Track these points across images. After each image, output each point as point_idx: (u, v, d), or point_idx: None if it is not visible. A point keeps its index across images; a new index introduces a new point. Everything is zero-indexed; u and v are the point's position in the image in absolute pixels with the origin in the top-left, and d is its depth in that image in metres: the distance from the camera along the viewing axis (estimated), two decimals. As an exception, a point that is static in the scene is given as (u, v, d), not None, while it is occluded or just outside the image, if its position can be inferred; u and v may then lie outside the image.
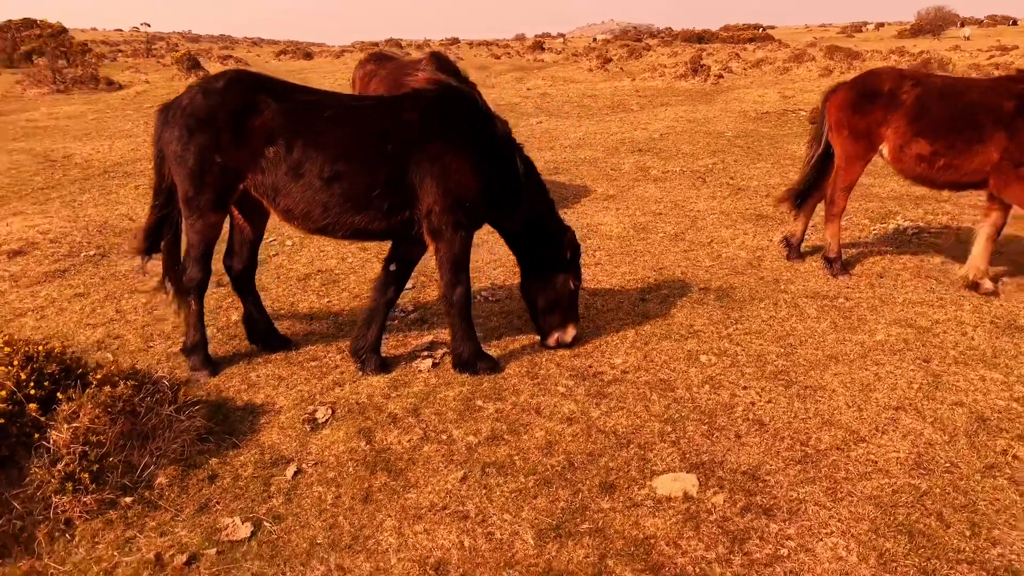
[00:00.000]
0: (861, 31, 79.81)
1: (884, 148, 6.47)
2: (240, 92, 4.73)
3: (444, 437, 4.34)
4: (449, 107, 4.88)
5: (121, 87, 28.56)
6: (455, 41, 72.83)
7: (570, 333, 5.43)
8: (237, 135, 4.65)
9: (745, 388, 4.82)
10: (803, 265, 7.15)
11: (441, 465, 4.08)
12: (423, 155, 4.70)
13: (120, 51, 61.21)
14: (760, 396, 4.71)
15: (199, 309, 5.13)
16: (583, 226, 8.62)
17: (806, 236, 7.39)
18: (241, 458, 4.17)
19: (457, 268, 4.89)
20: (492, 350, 5.49)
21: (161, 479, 3.90)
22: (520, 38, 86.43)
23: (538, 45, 58.63)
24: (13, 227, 8.60)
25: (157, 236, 5.18)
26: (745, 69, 29.60)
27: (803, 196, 7.20)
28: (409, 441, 4.31)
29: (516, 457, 4.12)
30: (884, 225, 8.32)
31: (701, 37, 69.18)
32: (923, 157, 6.21)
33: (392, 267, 5.20)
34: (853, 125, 6.53)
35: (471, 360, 5.08)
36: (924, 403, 4.57)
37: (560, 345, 5.45)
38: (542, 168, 12.65)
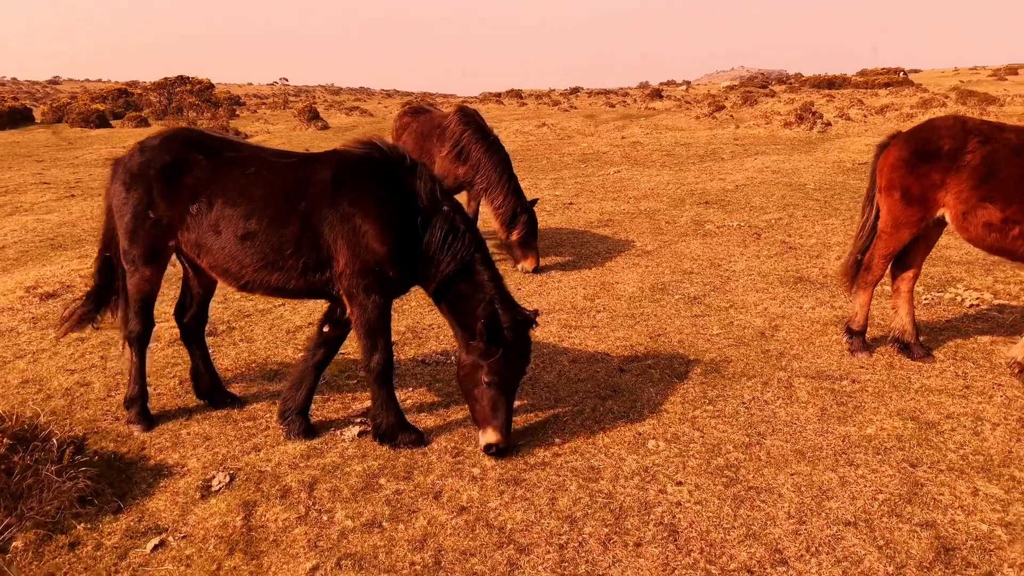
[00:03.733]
0: (1017, 73, 73.53)
1: (946, 214, 5.54)
2: (173, 150, 4.76)
3: (324, 518, 4.02)
4: (364, 169, 4.64)
5: (246, 137, 30.63)
6: (576, 90, 73.56)
7: (488, 436, 4.43)
8: (168, 192, 4.67)
9: (679, 484, 4.19)
10: (821, 338, 6.32)
11: (302, 551, 3.75)
12: (335, 215, 4.50)
13: (264, 103, 66.35)
14: (691, 495, 4.07)
15: (139, 362, 5.13)
16: (597, 284, 8.12)
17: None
18: (114, 525, 4.02)
19: (372, 333, 4.60)
20: (432, 419, 5.15)
21: (18, 543, 3.80)
22: (643, 86, 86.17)
23: (656, 93, 58.20)
24: (62, 269, 9.15)
25: (107, 285, 5.27)
26: (866, 116, 27.79)
27: (859, 268, 6.08)
28: (286, 520, 4.01)
29: (382, 550, 3.73)
30: (940, 294, 7.27)
31: (832, 82, 66.19)
32: (993, 226, 5.27)
33: (325, 329, 5.00)
34: (905, 188, 5.61)
35: (390, 432, 4.74)
36: (884, 520, 3.77)
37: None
38: (595, 219, 12.37)
